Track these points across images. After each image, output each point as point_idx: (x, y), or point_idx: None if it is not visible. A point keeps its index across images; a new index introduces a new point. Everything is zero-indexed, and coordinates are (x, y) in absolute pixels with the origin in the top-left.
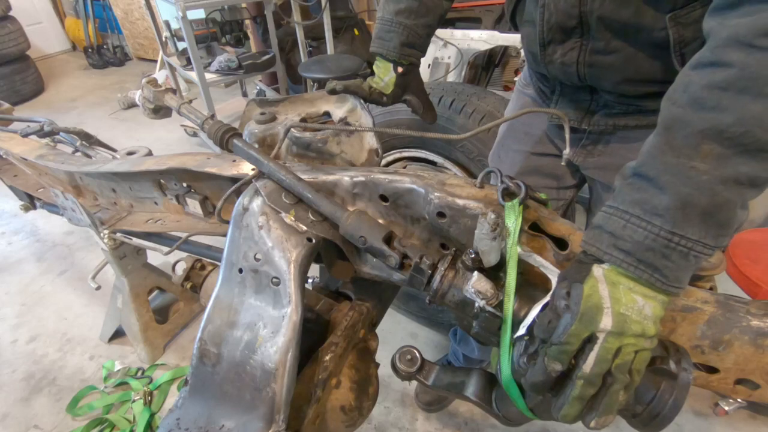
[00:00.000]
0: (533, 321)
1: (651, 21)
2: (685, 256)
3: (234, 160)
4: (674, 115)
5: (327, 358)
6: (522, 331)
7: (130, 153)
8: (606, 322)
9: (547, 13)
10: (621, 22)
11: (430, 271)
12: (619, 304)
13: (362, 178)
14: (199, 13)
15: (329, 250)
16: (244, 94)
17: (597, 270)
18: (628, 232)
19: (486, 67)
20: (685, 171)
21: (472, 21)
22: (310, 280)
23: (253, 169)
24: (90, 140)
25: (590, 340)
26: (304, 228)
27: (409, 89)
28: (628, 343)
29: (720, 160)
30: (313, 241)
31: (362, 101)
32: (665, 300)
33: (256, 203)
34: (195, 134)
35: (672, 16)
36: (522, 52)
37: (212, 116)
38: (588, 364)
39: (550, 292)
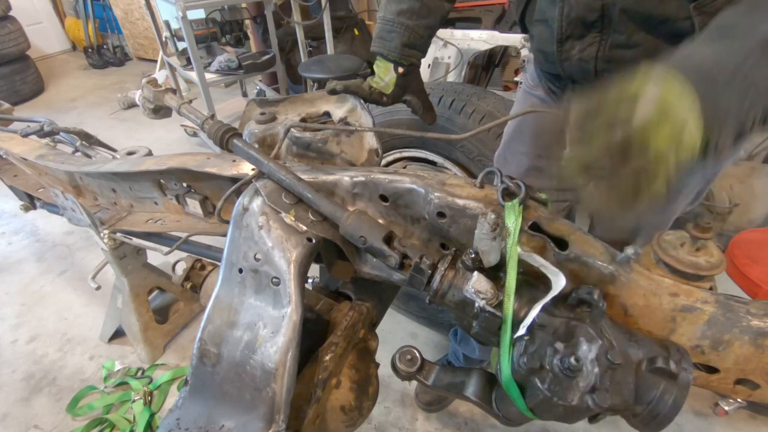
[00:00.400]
0: (533, 321)
1: (675, 11)
2: (744, 93)
3: (234, 160)
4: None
5: (327, 358)
6: (522, 331)
7: (130, 153)
8: (653, 91)
9: (566, 7)
10: (644, 13)
11: (430, 271)
12: (666, 97)
13: (362, 178)
14: (199, 13)
15: (329, 250)
16: (244, 94)
17: (648, 71)
18: (694, 61)
19: (486, 67)
20: None
21: (472, 21)
22: (310, 280)
23: (253, 169)
24: (90, 140)
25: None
26: (304, 228)
27: (410, 89)
28: (669, 124)
29: None
30: (313, 241)
31: (362, 101)
32: (701, 131)
33: (256, 203)
34: (195, 134)
35: (696, 5)
36: (522, 52)
37: (212, 116)
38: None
39: (552, 289)
